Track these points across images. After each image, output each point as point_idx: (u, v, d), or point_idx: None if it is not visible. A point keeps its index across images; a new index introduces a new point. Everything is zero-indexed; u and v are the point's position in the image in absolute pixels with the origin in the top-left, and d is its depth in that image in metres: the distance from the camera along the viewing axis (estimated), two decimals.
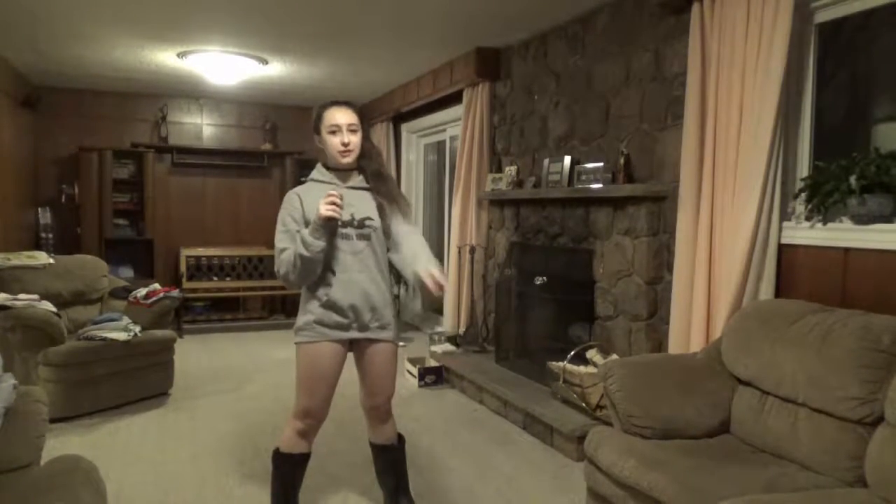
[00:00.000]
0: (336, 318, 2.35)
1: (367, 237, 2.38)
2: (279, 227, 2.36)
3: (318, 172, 2.45)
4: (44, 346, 3.79)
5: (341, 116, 2.35)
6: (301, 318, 2.39)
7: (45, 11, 4.18)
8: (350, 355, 2.49)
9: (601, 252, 3.80)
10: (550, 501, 2.91)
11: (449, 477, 3.15)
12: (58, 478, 1.85)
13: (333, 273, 2.33)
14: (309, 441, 2.47)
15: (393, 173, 7.14)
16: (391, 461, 2.59)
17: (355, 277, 2.35)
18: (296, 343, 2.41)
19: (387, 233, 2.44)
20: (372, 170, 2.44)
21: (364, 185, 2.43)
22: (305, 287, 2.39)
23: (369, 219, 2.38)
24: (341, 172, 2.41)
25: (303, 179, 2.60)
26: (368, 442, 2.63)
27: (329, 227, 2.27)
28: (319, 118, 2.39)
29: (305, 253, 2.23)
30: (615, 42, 3.85)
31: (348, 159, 2.37)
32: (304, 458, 2.48)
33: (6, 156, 5.63)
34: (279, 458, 2.46)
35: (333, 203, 2.22)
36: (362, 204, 2.39)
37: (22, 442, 2.01)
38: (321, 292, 2.34)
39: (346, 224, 2.34)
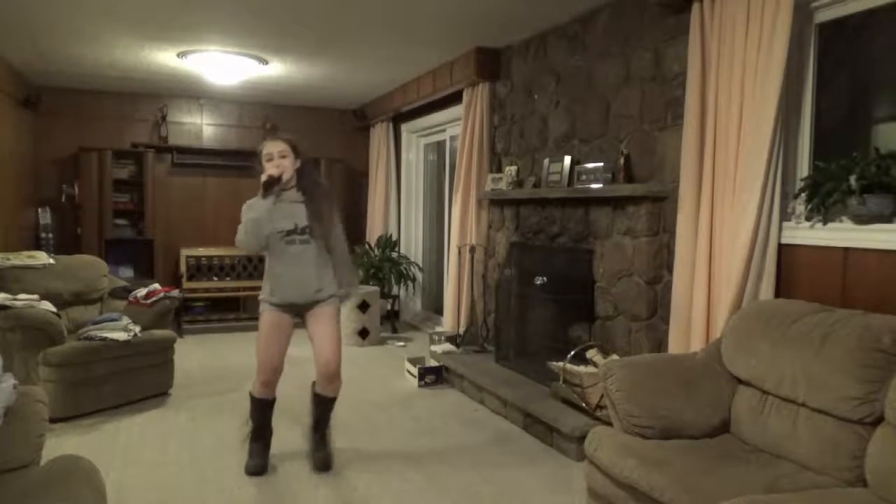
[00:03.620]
0: (279, 299, 3.07)
1: (307, 241, 3.04)
2: (242, 217, 3.00)
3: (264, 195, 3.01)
4: (44, 346, 3.79)
5: (273, 147, 3.02)
6: (261, 294, 3.15)
7: (44, 11, 4.18)
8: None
9: (601, 252, 3.80)
10: (550, 501, 2.91)
11: (449, 477, 3.15)
12: (58, 478, 1.85)
13: (281, 269, 3.06)
14: (271, 390, 3.20)
15: (393, 173, 7.16)
16: (323, 407, 3.25)
17: (296, 271, 3.05)
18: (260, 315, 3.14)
19: (320, 236, 3.07)
20: (305, 185, 3.09)
21: (300, 199, 3.07)
22: (265, 276, 3.12)
23: (308, 227, 3.03)
24: (283, 191, 3.01)
25: (259, 176, 3.11)
26: (311, 389, 3.27)
27: (271, 191, 2.93)
28: (260, 153, 3.05)
29: (252, 215, 2.94)
30: (615, 42, 3.85)
31: (284, 179, 2.99)
32: (270, 403, 3.23)
33: (6, 156, 5.63)
34: (251, 399, 3.24)
35: (271, 177, 2.94)
36: (302, 214, 3.04)
37: (22, 442, 2.01)
38: (272, 280, 3.07)
39: (291, 232, 3.01)
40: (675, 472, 2.15)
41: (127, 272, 6.55)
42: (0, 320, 3.72)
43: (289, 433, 3.59)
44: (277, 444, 3.36)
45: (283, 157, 3.02)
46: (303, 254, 3.04)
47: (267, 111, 7.46)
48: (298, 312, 3.14)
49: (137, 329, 4.17)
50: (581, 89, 4.15)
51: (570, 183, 4.08)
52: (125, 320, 4.20)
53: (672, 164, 3.38)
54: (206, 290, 6.76)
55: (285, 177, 3.00)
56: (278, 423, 3.39)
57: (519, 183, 4.72)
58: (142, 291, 4.57)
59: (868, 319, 2.20)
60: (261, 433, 3.25)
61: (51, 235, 6.50)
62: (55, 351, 3.80)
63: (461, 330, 5.24)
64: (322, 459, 3.20)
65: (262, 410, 3.23)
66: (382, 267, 6.61)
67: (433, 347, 5.09)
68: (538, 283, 4.28)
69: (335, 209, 3.17)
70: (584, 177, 3.97)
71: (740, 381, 2.56)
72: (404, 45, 4.98)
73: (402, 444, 3.58)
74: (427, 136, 7.07)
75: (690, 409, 2.51)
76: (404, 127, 7.18)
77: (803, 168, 2.89)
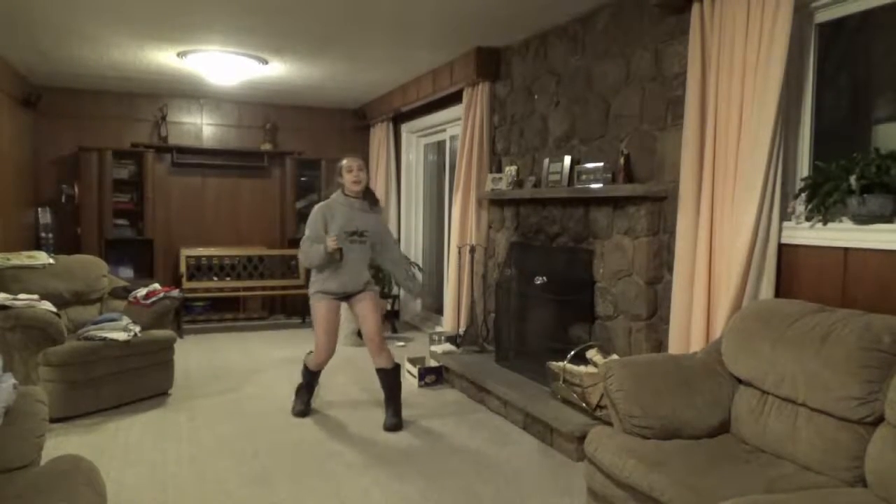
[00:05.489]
0: (335, 289, 3.83)
1: (364, 242, 3.87)
2: (307, 227, 3.88)
3: (339, 196, 3.90)
4: (44, 346, 3.79)
5: (354, 162, 3.86)
6: (313, 287, 3.89)
7: (44, 11, 4.18)
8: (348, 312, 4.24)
9: (601, 252, 3.80)
10: (550, 501, 2.91)
11: (449, 477, 3.15)
12: (58, 478, 1.85)
13: (342, 263, 3.80)
14: (324, 363, 3.97)
15: (393, 173, 7.18)
16: (385, 380, 3.88)
17: (354, 265, 3.84)
18: (312, 302, 3.89)
19: (375, 240, 3.94)
20: (371, 200, 3.95)
21: (366, 208, 3.89)
22: (318, 268, 3.85)
23: (367, 231, 3.86)
24: (351, 199, 3.86)
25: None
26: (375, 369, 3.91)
27: (333, 256, 3.76)
28: (340, 165, 3.89)
29: (314, 262, 3.82)
30: (615, 42, 3.85)
31: (357, 188, 3.84)
32: (318, 372, 4.06)
33: (6, 156, 5.63)
34: (307, 368, 4.02)
35: (335, 247, 3.72)
36: (363, 220, 3.86)
37: (22, 442, 2.01)
38: (328, 274, 3.81)
39: (353, 234, 3.81)
40: (675, 472, 2.15)
41: (127, 272, 6.55)
42: (0, 320, 3.72)
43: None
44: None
45: (361, 170, 3.86)
46: (359, 252, 3.84)
47: (267, 111, 7.46)
48: (345, 299, 3.90)
49: (137, 329, 4.17)
50: (581, 89, 4.15)
51: (570, 183, 4.08)
52: (125, 320, 4.20)
53: (672, 164, 3.38)
54: (207, 289, 6.75)
55: (360, 188, 3.84)
56: None
57: (519, 183, 4.72)
58: (142, 291, 4.57)
59: (868, 319, 2.20)
60: (309, 389, 4.08)
61: (51, 235, 6.50)
62: (55, 351, 3.80)
63: (461, 330, 5.24)
64: (391, 424, 3.81)
65: (314, 377, 4.07)
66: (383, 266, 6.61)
67: (433, 347, 5.09)
68: (538, 282, 4.28)
69: (391, 236, 4.15)
70: (584, 177, 3.97)
71: (740, 381, 2.56)
72: (404, 45, 4.98)
73: (402, 444, 3.58)
74: (427, 136, 7.07)
75: (690, 409, 2.51)
76: (404, 127, 7.18)
77: (803, 168, 2.89)
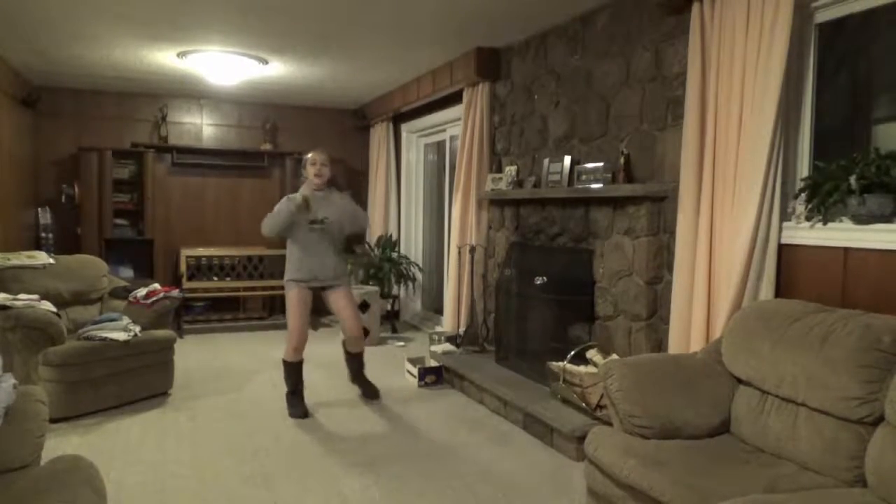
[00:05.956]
0: (304, 276, 4.04)
1: (325, 230, 4.05)
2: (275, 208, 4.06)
3: (305, 188, 4.12)
4: (44, 346, 3.79)
5: (318, 156, 4.10)
6: (285, 276, 4.10)
7: (44, 12, 4.18)
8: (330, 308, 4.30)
9: (601, 252, 3.80)
10: (550, 501, 2.91)
11: (448, 477, 3.15)
12: (57, 478, 1.85)
13: (306, 251, 4.03)
14: (300, 353, 4.08)
15: (393, 173, 7.19)
16: (352, 362, 4.40)
17: (318, 254, 4.05)
18: (285, 290, 4.09)
19: (343, 223, 4.14)
20: (335, 190, 4.19)
21: (328, 197, 4.08)
22: (289, 257, 4.08)
23: (327, 218, 4.03)
24: (315, 191, 4.08)
25: (303, 179, 4.22)
26: (343, 348, 4.39)
27: (301, 208, 3.91)
28: (305, 159, 4.14)
29: (282, 216, 3.94)
30: (615, 42, 3.85)
31: (318, 181, 4.07)
32: (299, 364, 4.11)
33: (6, 156, 5.63)
34: (285, 364, 4.10)
35: (306, 199, 3.94)
36: (325, 209, 4.04)
37: (22, 442, 2.01)
38: (297, 262, 4.04)
39: (314, 221, 4.00)
40: (675, 472, 2.15)
41: (127, 272, 6.55)
42: (0, 320, 3.72)
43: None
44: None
45: (324, 165, 4.09)
46: (319, 239, 4.03)
47: (267, 111, 7.46)
48: (318, 290, 4.12)
49: (137, 329, 4.17)
50: (581, 89, 4.15)
51: (570, 183, 4.08)
52: (125, 320, 4.20)
53: (672, 164, 3.38)
54: (206, 289, 6.74)
55: (321, 181, 4.07)
56: None
57: (519, 183, 4.72)
58: (142, 291, 4.57)
59: (868, 319, 2.20)
60: (296, 388, 4.12)
61: (51, 235, 6.50)
62: (55, 351, 3.80)
63: (461, 330, 5.24)
64: (372, 392, 4.34)
65: (295, 371, 4.10)
66: (382, 267, 6.61)
67: (433, 347, 5.09)
68: (538, 283, 4.28)
69: (352, 202, 4.26)
70: (584, 177, 3.97)
71: (740, 381, 2.57)
72: (404, 45, 4.98)
73: (402, 445, 3.58)
74: (427, 136, 7.07)
75: (690, 409, 2.51)
76: (404, 127, 7.18)
77: (803, 168, 2.89)
